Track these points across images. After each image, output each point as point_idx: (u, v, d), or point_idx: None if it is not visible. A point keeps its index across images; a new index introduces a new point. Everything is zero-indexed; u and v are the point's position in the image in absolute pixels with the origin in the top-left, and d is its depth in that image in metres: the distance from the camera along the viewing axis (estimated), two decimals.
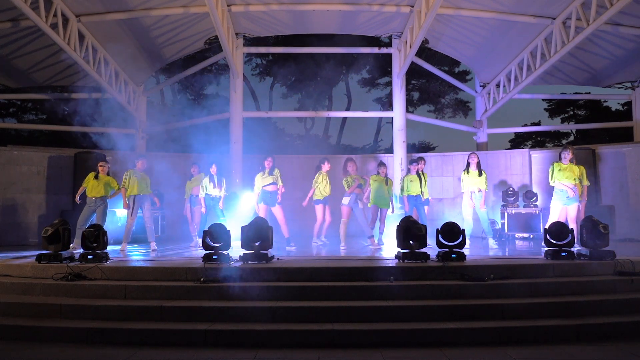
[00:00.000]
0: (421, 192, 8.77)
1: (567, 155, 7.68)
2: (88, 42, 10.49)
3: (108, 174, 8.35)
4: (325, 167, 8.90)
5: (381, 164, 9.06)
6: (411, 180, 8.75)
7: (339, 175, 9.04)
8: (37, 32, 9.83)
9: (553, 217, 7.55)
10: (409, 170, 8.97)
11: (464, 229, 6.27)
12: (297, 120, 23.23)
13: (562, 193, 7.59)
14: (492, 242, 8.51)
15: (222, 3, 9.98)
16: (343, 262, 6.10)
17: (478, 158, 8.42)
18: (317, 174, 8.92)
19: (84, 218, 8.03)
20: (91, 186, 8.10)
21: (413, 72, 17.33)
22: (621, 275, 5.51)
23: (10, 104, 20.27)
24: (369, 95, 23.26)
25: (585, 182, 7.93)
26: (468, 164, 8.41)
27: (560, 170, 7.64)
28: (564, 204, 7.59)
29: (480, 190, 8.24)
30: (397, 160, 12.26)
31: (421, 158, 9.28)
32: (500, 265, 5.63)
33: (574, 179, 7.61)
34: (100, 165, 8.27)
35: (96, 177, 8.17)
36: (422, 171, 9.02)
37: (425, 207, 8.89)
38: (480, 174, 8.28)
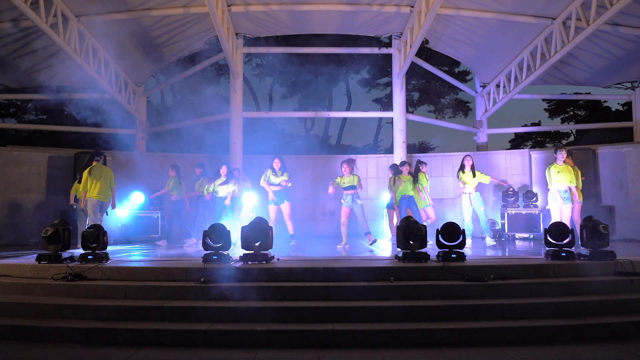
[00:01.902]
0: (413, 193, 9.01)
1: (562, 155, 7.82)
2: (88, 42, 10.49)
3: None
4: (405, 170, 8.98)
5: (404, 163, 9.24)
6: (404, 181, 8.98)
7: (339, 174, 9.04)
8: (37, 32, 9.83)
9: (555, 218, 7.62)
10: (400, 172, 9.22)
11: (464, 229, 6.27)
12: (297, 121, 23.24)
13: (558, 193, 7.74)
14: (489, 240, 8.69)
15: (222, 3, 9.98)
16: (343, 262, 6.09)
17: (472, 160, 8.78)
18: (393, 178, 8.96)
19: None
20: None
21: (413, 73, 17.32)
22: (621, 276, 5.50)
23: (10, 104, 20.26)
24: (369, 95, 23.24)
25: (580, 185, 7.99)
26: (462, 165, 8.76)
27: (558, 172, 7.77)
28: (560, 204, 7.72)
29: (477, 191, 8.63)
30: (397, 161, 12.25)
31: (414, 163, 9.62)
32: (500, 265, 5.63)
33: (571, 180, 7.76)
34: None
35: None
36: (411, 173, 9.23)
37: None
38: (474, 176, 8.67)
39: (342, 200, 8.50)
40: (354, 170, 8.61)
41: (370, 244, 8.34)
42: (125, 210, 9.80)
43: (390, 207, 9.28)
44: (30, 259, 6.49)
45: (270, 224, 8.30)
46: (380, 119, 22.25)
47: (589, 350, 4.22)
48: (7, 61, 11.25)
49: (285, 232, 8.94)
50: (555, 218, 7.69)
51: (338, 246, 8.43)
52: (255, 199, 9.78)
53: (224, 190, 9.01)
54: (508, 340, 4.43)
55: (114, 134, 13.48)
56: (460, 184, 8.88)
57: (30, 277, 5.76)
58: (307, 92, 20.98)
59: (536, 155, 11.78)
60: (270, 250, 6.12)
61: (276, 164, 8.75)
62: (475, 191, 8.65)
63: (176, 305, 4.90)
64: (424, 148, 23.04)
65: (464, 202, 8.77)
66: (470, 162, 8.71)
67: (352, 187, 8.41)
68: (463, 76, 20.36)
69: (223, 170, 9.13)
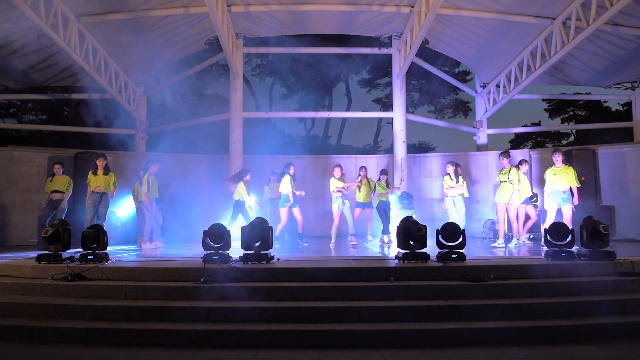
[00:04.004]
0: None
1: (559, 158, 7.95)
2: (88, 42, 10.49)
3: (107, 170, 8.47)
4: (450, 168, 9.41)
5: (457, 164, 9.58)
6: (381, 187, 9.68)
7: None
8: (37, 32, 9.83)
9: (550, 219, 7.69)
10: (379, 179, 9.82)
11: (464, 230, 6.28)
12: (297, 121, 23.25)
13: (556, 194, 7.82)
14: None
15: (222, 3, 9.98)
16: (343, 263, 6.10)
17: (455, 166, 9.36)
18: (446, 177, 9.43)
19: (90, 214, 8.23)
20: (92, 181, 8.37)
21: (413, 73, 17.34)
22: (621, 276, 5.50)
23: (10, 104, 20.27)
24: (369, 96, 23.30)
25: (576, 184, 7.99)
26: (448, 173, 9.33)
27: (555, 174, 7.87)
28: (558, 204, 7.80)
29: (460, 195, 9.21)
30: (397, 161, 12.26)
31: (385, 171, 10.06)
32: (500, 266, 5.63)
33: (569, 182, 7.85)
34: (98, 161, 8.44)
35: (94, 173, 8.37)
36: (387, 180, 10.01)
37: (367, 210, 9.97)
38: (457, 181, 9.25)
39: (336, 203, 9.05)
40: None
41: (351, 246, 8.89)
42: (125, 210, 9.80)
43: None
44: (30, 259, 6.50)
45: (282, 226, 9.03)
46: (380, 119, 22.26)
47: (589, 350, 4.22)
48: (7, 61, 11.25)
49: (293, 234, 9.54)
50: (551, 218, 7.76)
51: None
52: (253, 201, 9.85)
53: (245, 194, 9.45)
54: (508, 340, 4.43)
55: (114, 134, 13.49)
56: (445, 188, 9.41)
57: (30, 277, 5.77)
58: (307, 92, 20.98)
59: (536, 155, 11.78)
60: (270, 250, 6.13)
61: (292, 170, 9.25)
62: (458, 195, 9.23)
63: (176, 305, 4.90)
64: (424, 148, 23.05)
65: (449, 205, 9.28)
66: (453, 168, 9.26)
67: (340, 190, 9.03)
68: (463, 76, 20.37)
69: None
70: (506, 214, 8.63)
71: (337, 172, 9.15)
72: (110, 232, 7.08)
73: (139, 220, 8.77)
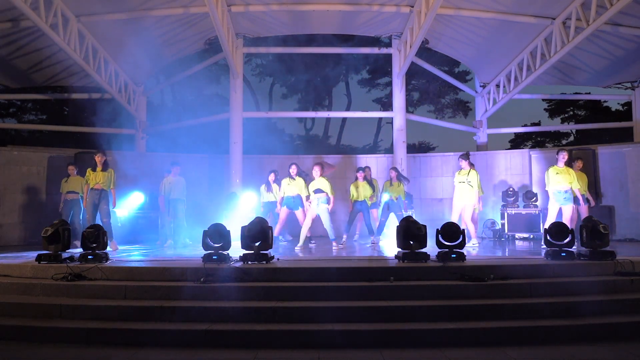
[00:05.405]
0: (367, 197, 9.43)
1: (564, 157, 7.92)
2: (88, 42, 10.49)
3: (106, 166, 8.24)
4: (360, 175, 9.47)
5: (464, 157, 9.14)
6: (357, 187, 9.44)
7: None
8: (37, 32, 9.83)
9: (552, 219, 7.68)
10: (356, 178, 9.63)
11: (464, 229, 6.28)
12: (297, 121, 23.24)
13: (558, 194, 7.81)
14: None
15: (222, 3, 9.98)
16: (343, 262, 6.10)
17: (396, 171, 9.58)
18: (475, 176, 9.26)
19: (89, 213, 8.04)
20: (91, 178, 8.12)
21: (413, 73, 17.34)
22: (621, 276, 5.50)
23: (10, 104, 20.27)
24: (369, 96, 23.31)
25: (577, 186, 7.99)
26: (391, 178, 9.53)
27: (557, 173, 7.85)
28: (560, 204, 7.79)
29: (398, 198, 9.28)
30: (397, 161, 12.26)
31: (366, 167, 10.00)
32: (500, 265, 5.63)
33: (570, 182, 7.83)
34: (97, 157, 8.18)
35: (94, 169, 8.16)
36: (370, 177, 9.88)
37: (374, 210, 9.79)
38: (399, 185, 9.42)
39: (307, 203, 8.60)
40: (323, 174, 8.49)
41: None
42: (125, 210, 9.81)
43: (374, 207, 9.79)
44: (30, 259, 6.49)
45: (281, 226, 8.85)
46: (380, 119, 22.25)
47: (589, 350, 4.22)
48: (7, 61, 11.25)
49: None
50: (551, 219, 7.74)
51: (296, 248, 8.29)
52: (255, 200, 9.85)
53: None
54: (508, 340, 4.42)
55: (114, 134, 13.48)
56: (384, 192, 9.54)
57: (30, 277, 5.76)
58: (307, 92, 20.98)
59: (536, 155, 11.78)
60: (270, 250, 6.12)
61: (293, 170, 8.81)
62: (396, 199, 9.29)
63: (176, 305, 4.89)
64: (424, 148, 23.05)
65: (384, 208, 9.46)
66: (395, 174, 9.49)
67: (319, 191, 8.25)
68: (463, 76, 20.36)
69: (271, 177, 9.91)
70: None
71: (317, 170, 8.36)
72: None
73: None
